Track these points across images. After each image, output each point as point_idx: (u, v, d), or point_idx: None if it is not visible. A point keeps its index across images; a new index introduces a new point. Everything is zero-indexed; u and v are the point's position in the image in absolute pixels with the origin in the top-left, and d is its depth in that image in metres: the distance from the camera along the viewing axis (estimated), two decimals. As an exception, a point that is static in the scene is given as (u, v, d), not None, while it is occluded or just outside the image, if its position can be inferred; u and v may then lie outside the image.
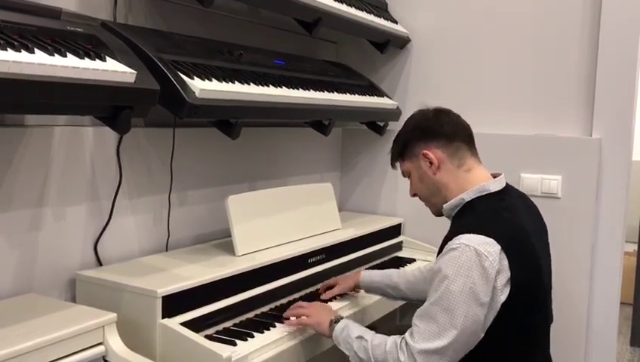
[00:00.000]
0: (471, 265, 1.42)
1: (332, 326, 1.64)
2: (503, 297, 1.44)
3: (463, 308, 1.42)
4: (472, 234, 1.46)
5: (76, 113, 1.42)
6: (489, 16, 2.50)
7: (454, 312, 1.42)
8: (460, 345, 1.44)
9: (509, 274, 1.44)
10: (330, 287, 1.98)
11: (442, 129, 1.63)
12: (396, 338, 1.52)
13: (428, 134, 1.64)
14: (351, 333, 1.59)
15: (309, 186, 2.27)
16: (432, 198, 1.68)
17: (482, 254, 1.42)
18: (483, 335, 1.46)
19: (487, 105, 2.50)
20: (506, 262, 1.44)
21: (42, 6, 1.36)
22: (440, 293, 1.45)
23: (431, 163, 1.62)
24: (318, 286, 2.04)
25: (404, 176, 1.74)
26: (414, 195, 1.73)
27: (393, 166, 1.77)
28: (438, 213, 1.69)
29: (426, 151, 1.63)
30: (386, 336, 1.55)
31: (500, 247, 1.44)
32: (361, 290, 2.03)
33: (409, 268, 2.33)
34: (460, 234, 1.48)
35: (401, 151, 1.70)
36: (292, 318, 1.71)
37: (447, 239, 1.52)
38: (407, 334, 1.50)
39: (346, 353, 1.60)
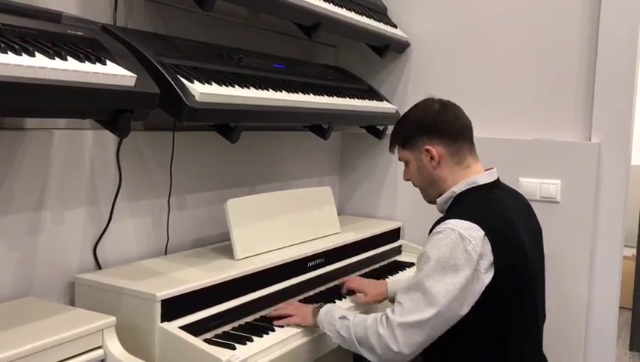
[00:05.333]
0: (454, 247, 1.49)
1: (315, 311, 1.70)
2: (487, 280, 1.50)
3: (443, 287, 1.48)
4: (457, 220, 1.52)
5: (76, 116, 1.42)
6: (488, 22, 2.51)
7: (435, 290, 1.48)
8: (438, 322, 1.49)
9: (491, 258, 1.50)
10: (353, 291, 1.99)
11: (448, 127, 1.66)
12: (376, 314, 1.58)
13: (433, 130, 1.67)
14: (334, 315, 1.65)
15: (308, 190, 2.27)
16: (428, 189, 1.73)
17: (466, 238, 1.49)
18: (463, 314, 1.50)
19: (486, 110, 2.50)
20: (488, 247, 1.50)
21: (43, 10, 1.36)
22: (424, 273, 1.51)
23: (432, 158, 1.66)
24: (318, 289, 2.04)
25: (400, 160, 1.77)
26: (407, 180, 1.77)
27: (391, 150, 1.80)
28: (430, 201, 1.75)
29: (428, 147, 1.66)
30: (367, 315, 1.60)
31: (483, 233, 1.50)
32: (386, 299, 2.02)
33: None
34: (447, 220, 1.54)
35: (403, 140, 1.73)
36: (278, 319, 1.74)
37: (436, 225, 1.58)
38: (388, 309, 1.55)
39: (330, 334, 1.65)
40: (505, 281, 1.51)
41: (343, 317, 1.63)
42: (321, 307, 1.71)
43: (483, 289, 1.50)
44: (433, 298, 1.48)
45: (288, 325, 1.71)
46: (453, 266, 1.48)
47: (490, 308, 1.51)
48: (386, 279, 2.16)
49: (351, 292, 2.01)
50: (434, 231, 1.56)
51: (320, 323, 1.68)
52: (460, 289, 1.48)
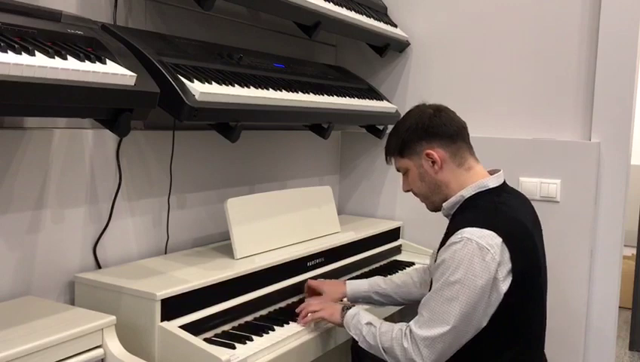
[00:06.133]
0: (472, 257, 1.47)
1: (343, 312, 1.70)
2: (504, 287, 1.49)
3: (463, 298, 1.46)
4: (473, 228, 1.50)
5: (76, 116, 1.42)
6: (488, 21, 2.51)
7: (455, 302, 1.47)
8: (460, 333, 1.48)
9: (510, 265, 1.49)
10: (315, 291, 1.95)
11: (445, 128, 1.65)
12: (402, 325, 1.57)
13: (431, 134, 1.65)
14: (361, 319, 1.65)
15: (308, 189, 2.27)
16: (432, 196, 1.70)
17: (484, 247, 1.47)
18: (485, 324, 1.50)
19: (486, 109, 2.50)
20: (507, 254, 1.48)
21: (43, 9, 1.36)
22: (442, 283, 1.50)
23: (434, 162, 1.64)
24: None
25: (399, 171, 1.75)
26: (408, 191, 1.75)
27: (388, 161, 1.77)
28: (435, 209, 1.72)
29: (429, 151, 1.64)
30: (393, 324, 1.60)
31: (501, 240, 1.48)
32: (345, 299, 1.97)
33: (396, 274, 2.26)
34: (462, 228, 1.51)
35: (401, 148, 1.70)
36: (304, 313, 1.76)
37: (449, 234, 1.55)
38: (412, 322, 1.55)
39: (356, 338, 1.65)
40: (520, 287, 1.49)
41: (370, 324, 1.62)
42: (348, 308, 1.71)
43: (501, 297, 1.48)
44: (453, 310, 1.47)
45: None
46: (472, 276, 1.46)
47: (503, 313, 1.50)
48: (345, 280, 2.06)
49: (312, 292, 1.96)
50: (450, 240, 1.52)
51: (346, 325, 1.68)
52: (480, 300, 1.46)
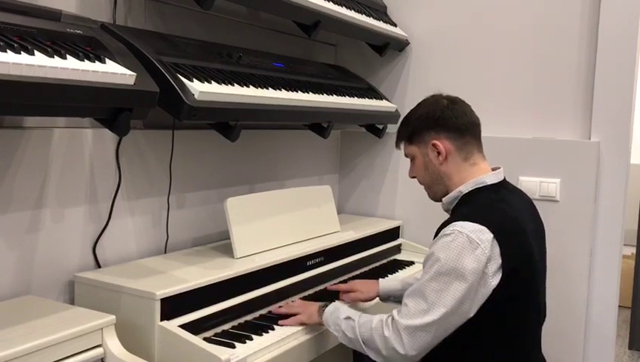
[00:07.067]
0: (462, 250, 1.47)
1: (321, 311, 1.70)
2: (494, 283, 1.48)
3: (451, 290, 1.47)
4: (465, 222, 1.51)
5: (76, 115, 1.42)
6: (488, 20, 2.51)
7: (443, 293, 1.47)
8: (444, 324, 1.48)
9: (499, 261, 1.49)
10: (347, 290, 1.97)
11: (456, 121, 1.65)
12: (382, 316, 1.57)
13: (440, 125, 1.65)
14: (340, 315, 1.64)
15: (307, 189, 2.27)
16: (434, 186, 1.72)
17: (474, 241, 1.47)
18: (470, 316, 1.49)
19: (485, 109, 2.48)
20: (497, 250, 1.49)
21: (42, 8, 1.36)
22: (431, 275, 1.50)
23: (439, 153, 1.65)
24: (317, 288, 2.04)
25: (407, 157, 1.76)
26: (413, 177, 1.76)
27: (398, 146, 1.79)
28: (435, 199, 1.74)
29: (435, 142, 1.65)
30: (372, 315, 1.59)
31: (492, 235, 1.48)
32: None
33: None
34: (455, 221, 1.52)
35: (410, 135, 1.72)
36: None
37: (443, 226, 1.56)
38: (394, 311, 1.54)
39: (335, 334, 1.64)
40: (511, 284, 1.49)
41: (348, 318, 1.62)
42: (326, 306, 1.70)
43: (490, 292, 1.48)
44: (440, 301, 1.47)
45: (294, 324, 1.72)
46: (460, 269, 1.46)
47: (495, 310, 1.50)
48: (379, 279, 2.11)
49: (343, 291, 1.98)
50: (442, 233, 1.53)
51: (325, 322, 1.67)
52: (467, 293, 1.46)
